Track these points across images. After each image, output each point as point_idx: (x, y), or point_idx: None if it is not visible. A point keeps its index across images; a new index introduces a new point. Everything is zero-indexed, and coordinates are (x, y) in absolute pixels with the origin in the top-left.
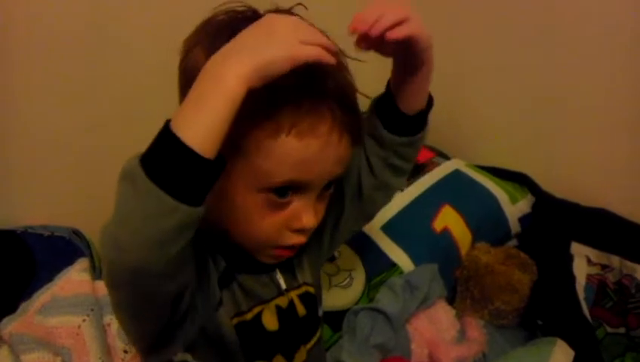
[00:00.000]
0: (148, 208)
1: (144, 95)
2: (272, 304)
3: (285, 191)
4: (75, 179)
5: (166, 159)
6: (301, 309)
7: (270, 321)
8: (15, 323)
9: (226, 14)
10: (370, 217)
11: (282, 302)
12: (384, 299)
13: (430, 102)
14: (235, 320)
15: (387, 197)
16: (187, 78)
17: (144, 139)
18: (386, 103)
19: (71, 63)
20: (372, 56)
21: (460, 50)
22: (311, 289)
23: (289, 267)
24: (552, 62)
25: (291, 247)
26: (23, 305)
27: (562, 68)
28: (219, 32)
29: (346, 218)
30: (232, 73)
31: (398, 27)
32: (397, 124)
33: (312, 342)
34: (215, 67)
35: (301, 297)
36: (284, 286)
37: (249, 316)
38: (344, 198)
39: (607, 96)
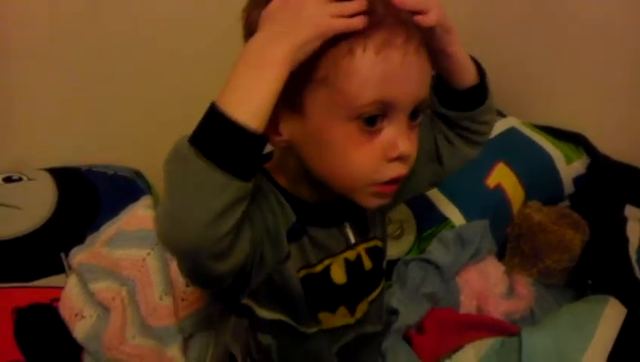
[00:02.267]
0: (201, 186)
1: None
2: (341, 257)
3: (374, 118)
4: (138, 124)
5: (217, 138)
6: (368, 263)
7: (338, 274)
8: (83, 253)
9: None
10: (442, 182)
11: (350, 255)
12: (435, 251)
13: (482, 76)
14: (303, 273)
15: (463, 164)
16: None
17: (200, 90)
18: (437, 81)
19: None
20: None
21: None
22: (379, 243)
23: (361, 220)
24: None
25: (392, 182)
26: (90, 237)
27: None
28: None
29: (419, 180)
30: (272, 59)
31: (424, 15)
32: (453, 101)
33: (375, 294)
34: (256, 53)
35: (369, 251)
36: (353, 240)
37: (318, 268)
38: (418, 162)
39: None
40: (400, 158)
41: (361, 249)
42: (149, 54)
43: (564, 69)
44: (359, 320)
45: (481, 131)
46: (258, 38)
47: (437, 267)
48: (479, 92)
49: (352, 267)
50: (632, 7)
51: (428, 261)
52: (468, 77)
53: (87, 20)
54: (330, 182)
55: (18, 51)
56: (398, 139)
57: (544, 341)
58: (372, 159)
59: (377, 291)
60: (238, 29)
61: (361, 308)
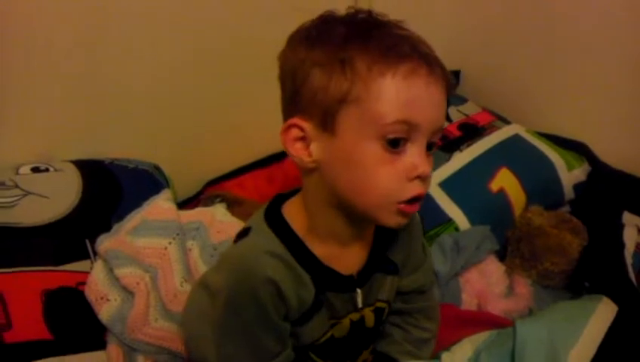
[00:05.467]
0: None
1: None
2: (347, 319)
3: (398, 141)
4: (158, 118)
5: None
6: (370, 322)
7: (340, 332)
8: (109, 240)
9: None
10: None
11: (355, 316)
12: (434, 259)
13: None
14: None
15: None
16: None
17: (220, 84)
18: None
19: None
20: None
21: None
22: (384, 305)
23: (372, 287)
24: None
25: (413, 200)
26: (116, 225)
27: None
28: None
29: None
30: None
31: None
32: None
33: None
34: None
35: (373, 311)
36: (360, 305)
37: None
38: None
39: None
40: (420, 177)
41: (366, 311)
42: (168, 51)
43: (568, 78)
44: None
45: None
46: None
47: (434, 273)
48: None
49: (354, 325)
50: (635, 16)
51: None
52: None
53: (104, 14)
54: (355, 201)
55: (37, 45)
56: (417, 160)
57: (537, 330)
58: (395, 177)
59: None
60: (254, 24)
61: (361, 358)
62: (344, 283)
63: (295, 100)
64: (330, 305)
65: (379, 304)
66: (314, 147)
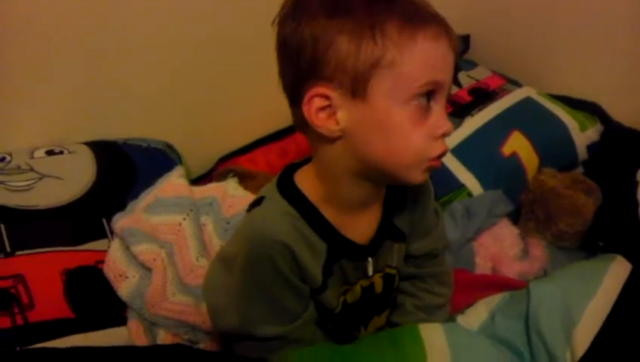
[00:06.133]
0: None
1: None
2: (358, 285)
3: (429, 100)
4: (169, 97)
5: None
6: (379, 287)
7: (350, 297)
8: (125, 219)
9: None
10: None
11: (364, 283)
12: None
13: None
14: None
15: None
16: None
17: (229, 60)
18: None
19: None
20: None
21: None
22: (393, 271)
23: (381, 254)
24: None
25: (438, 157)
26: (130, 204)
27: None
28: None
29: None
30: None
31: None
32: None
33: (385, 314)
34: None
35: (382, 276)
36: (370, 272)
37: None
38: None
39: None
40: (445, 135)
41: (375, 277)
42: (178, 29)
43: (578, 39)
44: None
45: None
46: None
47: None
48: None
49: (365, 291)
50: None
51: None
52: None
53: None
54: (386, 165)
55: (48, 31)
56: (442, 119)
57: (551, 291)
58: (424, 138)
59: (387, 312)
60: (263, 8)
61: (372, 325)
62: (358, 252)
63: (316, 69)
64: (343, 271)
65: (388, 270)
66: (341, 115)
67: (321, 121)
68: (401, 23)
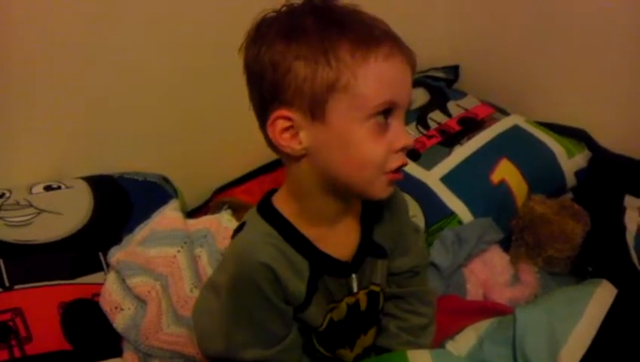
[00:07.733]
0: None
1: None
2: (343, 303)
3: (386, 118)
4: (164, 132)
5: None
6: (364, 304)
7: (337, 316)
8: (121, 252)
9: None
10: None
11: (350, 300)
12: (435, 253)
13: None
14: None
15: None
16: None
17: (222, 93)
18: None
19: None
20: None
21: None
22: (377, 289)
23: (365, 271)
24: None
25: (398, 170)
26: (126, 238)
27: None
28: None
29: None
30: None
31: None
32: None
33: (372, 332)
34: None
35: (366, 294)
36: (355, 289)
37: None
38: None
39: None
40: (403, 149)
41: (360, 294)
42: (172, 63)
43: (565, 67)
44: (359, 355)
45: None
46: None
47: (437, 268)
48: None
49: (350, 308)
50: (632, 5)
51: (430, 262)
52: None
53: (108, 28)
54: (349, 179)
55: (40, 65)
56: (401, 133)
57: (537, 315)
58: (383, 151)
59: (373, 330)
60: None
61: (361, 343)
62: (340, 269)
63: (277, 94)
64: (327, 289)
65: (372, 287)
66: (304, 135)
67: (285, 141)
68: (353, 46)
